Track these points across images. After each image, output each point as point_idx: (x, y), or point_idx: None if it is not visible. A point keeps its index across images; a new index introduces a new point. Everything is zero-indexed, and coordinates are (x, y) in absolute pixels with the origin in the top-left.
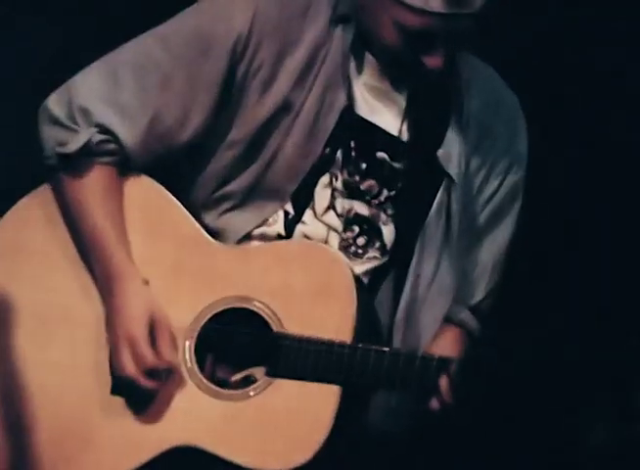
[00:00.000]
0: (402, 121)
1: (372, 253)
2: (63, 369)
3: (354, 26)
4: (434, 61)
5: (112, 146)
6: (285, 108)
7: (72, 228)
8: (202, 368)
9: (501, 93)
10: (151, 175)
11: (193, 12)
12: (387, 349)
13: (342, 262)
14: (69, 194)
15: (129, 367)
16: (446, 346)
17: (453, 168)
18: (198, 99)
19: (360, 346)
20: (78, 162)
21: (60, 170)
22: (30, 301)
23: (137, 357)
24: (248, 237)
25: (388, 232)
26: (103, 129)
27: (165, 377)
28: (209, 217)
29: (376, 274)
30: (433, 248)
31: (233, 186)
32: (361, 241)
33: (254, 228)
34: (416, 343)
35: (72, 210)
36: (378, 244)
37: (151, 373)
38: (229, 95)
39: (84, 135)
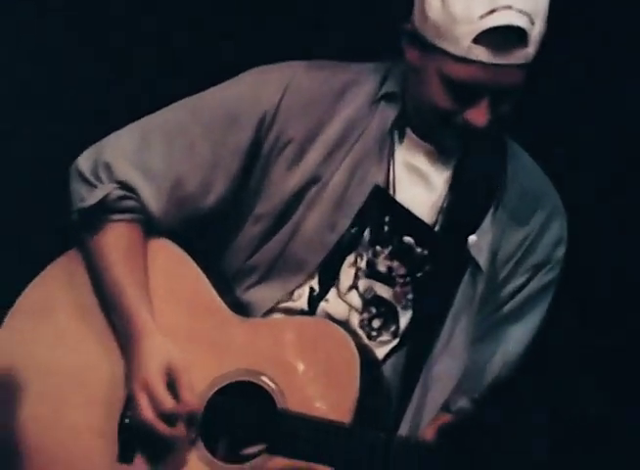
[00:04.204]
0: (439, 210)
1: (385, 336)
2: (74, 432)
3: (400, 104)
4: (478, 117)
5: (131, 203)
6: (312, 181)
7: (96, 285)
8: (208, 439)
9: (543, 190)
10: (183, 244)
11: (226, 85)
12: (382, 434)
13: (350, 344)
14: (92, 250)
15: (146, 412)
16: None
17: (483, 258)
18: (221, 169)
19: (356, 429)
20: (99, 218)
21: (82, 226)
22: (50, 361)
23: (154, 403)
24: (273, 310)
25: (404, 317)
26: (124, 186)
27: (187, 427)
28: (239, 290)
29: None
30: (458, 336)
31: (258, 257)
32: (377, 323)
33: (280, 302)
34: (417, 428)
35: (95, 266)
36: (393, 327)
37: (169, 420)
38: (253, 168)
39: (102, 191)
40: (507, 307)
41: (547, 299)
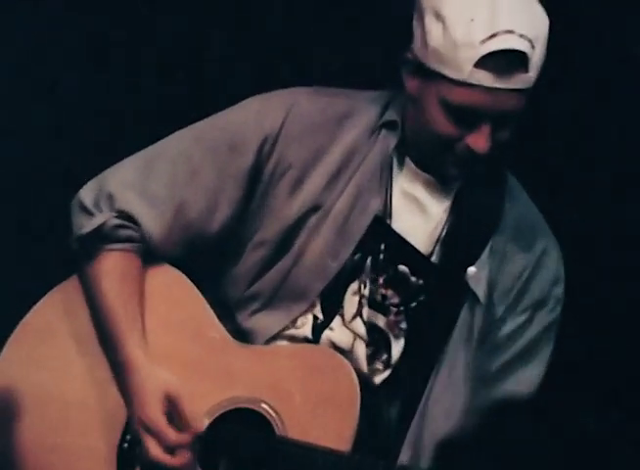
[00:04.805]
0: (436, 240)
1: (377, 364)
2: (74, 457)
3: (400, 133)
4: (479, 142)
5: (129, 232)
6: (313, 208)
7: (93, 314)
8: (206, 466)
9: (538, 227)
10: (185, 271)
11: (229, 112)
12: (381, 462)
13: (351, 371)
14: (88, 278)
15: (154, 452)
16: None
17: (481, 290)
18: (224, 194)
19: (356, 457)
20: (96, 246)
21: (80, 254)
22: (49, 387)
23: (159, 439)
24: (276, 338)
25: (396, 346)
26: (123, 215)
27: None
28: (241, 317)
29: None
30: (458, 370)
31: (261, 285)
32: (368, 351)
33: (284, 330)
34: (417, 459)
35: (91, 295)
36: (384, 356)
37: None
38: (254, 193)
39: (99, 219)
40: (513, 351)
41: (552, 338)
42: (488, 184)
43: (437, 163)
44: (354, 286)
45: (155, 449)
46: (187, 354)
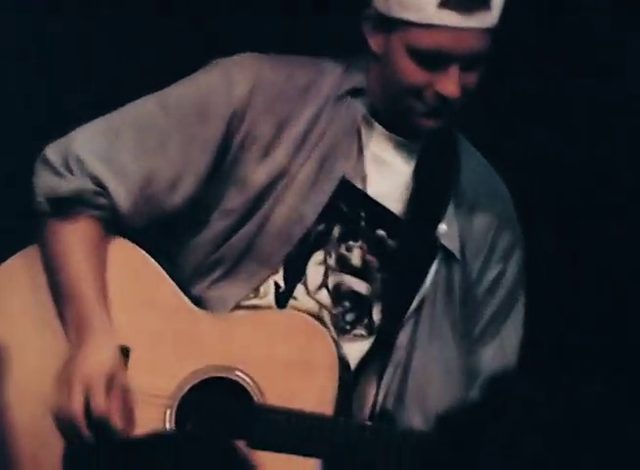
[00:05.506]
0: (405, 198)
1: (359, 330)
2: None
3: (366, 98)
4: (449, 85)
5: (101, 200)
6: (280, 176)
7: (52, 278)
8: None
9: (495, 181)
10: (144, 241)
11: (195, 79)
12: (368, 423)
13: (326, 335)
14: (54, 242)
15: (76, 406)
16: None
17: (455, 246)
18: (192, 164)
19: (341, 419)
20: (67, 209)
21: (48, 216)
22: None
23: (90, 401)
24: (239, 308)
25: (377, 310)
26: (96, 181)
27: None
28: (201, 287)
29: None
30: (441, 326)
31: (223, 251)
32: (350, 317)
33: (246, 299)
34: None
35: (55, 258)
36: (366, 320)
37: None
38: (222, 164)
39: (77, 182)
40: (495, 303)
41: (523, 285)
42: (443, 142)
43: (409, 117)
44: (319, 256)
45: (79, 404)
46: (154, 326)
